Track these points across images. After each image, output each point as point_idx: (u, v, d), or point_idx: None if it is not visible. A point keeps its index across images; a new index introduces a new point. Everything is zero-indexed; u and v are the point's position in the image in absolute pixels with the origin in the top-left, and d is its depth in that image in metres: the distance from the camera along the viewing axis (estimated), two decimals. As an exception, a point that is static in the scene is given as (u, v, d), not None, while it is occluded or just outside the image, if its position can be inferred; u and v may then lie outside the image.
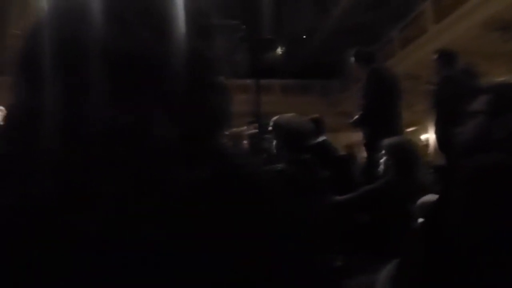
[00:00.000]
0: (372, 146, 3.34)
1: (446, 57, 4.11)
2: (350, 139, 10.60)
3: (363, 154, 4.39)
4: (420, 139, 12.73)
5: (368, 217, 2.48)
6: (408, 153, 2.42)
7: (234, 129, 3.79)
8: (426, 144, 11.70)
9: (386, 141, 2.48)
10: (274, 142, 2.36)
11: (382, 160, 2.47)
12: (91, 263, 0.37)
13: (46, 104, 0.41)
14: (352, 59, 4.14)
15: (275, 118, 2.41)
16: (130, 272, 0.37)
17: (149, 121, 0.41)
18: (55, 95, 0.42)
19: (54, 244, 0.38)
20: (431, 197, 1.82)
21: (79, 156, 0.40)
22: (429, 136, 11.27)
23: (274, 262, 0.42)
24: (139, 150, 0.40)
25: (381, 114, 3.72)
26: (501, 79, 3.16)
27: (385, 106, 3.76)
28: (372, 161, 3.19)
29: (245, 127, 4.31)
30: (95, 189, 0.38)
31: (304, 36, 18.23)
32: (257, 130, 4.05)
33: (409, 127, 11.22)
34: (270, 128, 2.41)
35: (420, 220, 1.74)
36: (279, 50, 16.49)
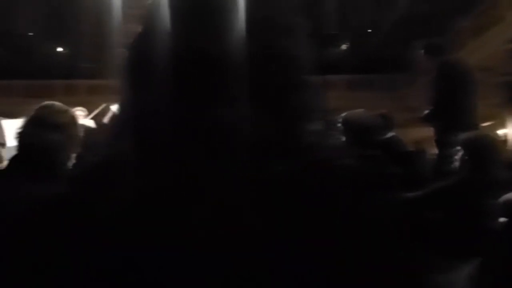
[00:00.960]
0: (443, 141, 3.21)
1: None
2: (418, 135, 10.20)
3: (432, 150, 4.22)
4: (497, 134, 11.98)
5: (441, 214, 2.39)
6: (486, 148, 2.30)
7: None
8: (505, 140, 11.00)
9: (463, 136, 2.38)
10: (343, 138, 2.35)
11: (457, 156, 2.37)
12: (198, 251, 0.42)
13: (152, 104, 0.46)
14: (421, 51, 3.99)
15: (344, 114, 2.39)
16: (232, 256, 0.41)
17: (248, 118, 0.45)
18: (160, 96, 0.46)
19: (165, 232, 0.42)
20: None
21: (185, 151, 0.44)
22: (508, 131, 10.58)
23: (358, 255, 0.44)
24: (240, 145, 0.44)
25: (454, 109, 3.57)
26: None
27: (457, 100, 3.60)
28: (443, 157, 3.08)
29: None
30: (202, 181, 0.43)
31: (370, 30, 17.77)
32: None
33: (484, 121, 10.61)
34: (338, 124, 2.40)
35: (503, 219, 1.66)
36: (343, 45, 16.22)
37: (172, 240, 0.42)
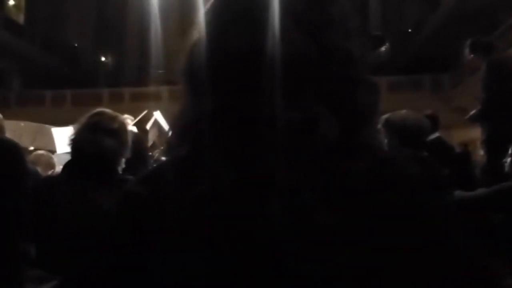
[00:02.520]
0: (493, 142, 3.09)
1: None
2: (465, 136, 9.86)
3: (480, 151, 4.07)
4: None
5: (504, 217, 2.28)
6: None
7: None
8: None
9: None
10: (386, 140, 2.31)
11: (509, 158, 2.27)
12: (270, 248, 0.43)
13: (222, 106, 0.48)
14: (468, 50, 3.86)
15: (386, 115, 2.35)
16: (304, 253, 0.42)
17: (315, 118, 0.46)
18: (231, 98, 0.48)
19: (237, 231, 0.44)
20: None
21: (256, 152, 0.46)
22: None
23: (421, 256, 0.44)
24: (308, 144, 0.45)
25: (505, 108, 3.42)
26: None
27: (507, 99, 3.45)
28: (494, 159, 2.96)
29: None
30: (271, 180, 0.44)
31: (410, 30, 17.35)
32: None
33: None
34: (379, 125, 2.35)
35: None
36: (385, 46, 15.91)
37: (246, 237, 0.44)
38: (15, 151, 0.69)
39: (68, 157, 1.64)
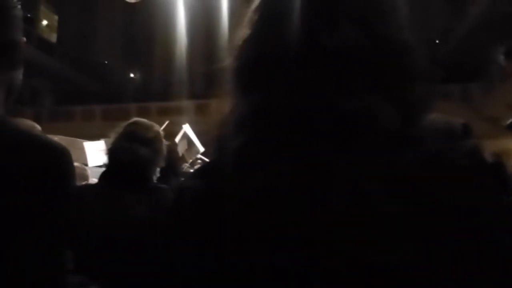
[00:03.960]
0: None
1: None
2: (498, 146, 9.60)
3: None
4: None
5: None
6: None
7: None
8: None
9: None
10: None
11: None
12: (331, 239, 0.42)
13: (279, 99, 0.48)
14: (502, 57, 3.76)
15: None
16: (364, 244, 0.42)
17: (374, 108, 0.46)
18: (287, 90, 0.48)
19: (297, 223, 0.44)
20: None
21: (314, 143, 0.46)
22: None
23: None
24: (368, 134, 0.45)
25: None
26: None
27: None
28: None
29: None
30: (330, 171, 0.44)
31: (437, 41, 17.13)
32: None
33: None
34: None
35: None
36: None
37: (306, 229, 0.44)
38: (65, 154, 0.70)
39: (99, 170, 1.65)
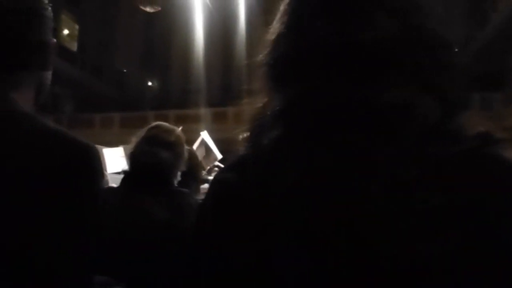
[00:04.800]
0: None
1: None
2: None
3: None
4: None
5: None
6: None
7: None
8: None
9: None
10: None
11: None
12: (371, 232, 0.42)
13: (315, 92, 0.48)
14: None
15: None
16: (402, 233, 0.41)
17: (413, 100, 0.45)
18: (323, 84, 0.48)
19: (336, 216, 0.43)
20: None
21: (352, 136, 0.45)
22: None
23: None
24: (408, 126, 0.44)
25: None
26: None
27: None
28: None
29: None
30: (369, 163, 0.43)
31: (456, 50, 16.93)
32: None
33: None
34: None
35: None
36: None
37: (345, 222, 0.43)
38: (93, 151, 0.71)
39: (118, 176, 1.64)
